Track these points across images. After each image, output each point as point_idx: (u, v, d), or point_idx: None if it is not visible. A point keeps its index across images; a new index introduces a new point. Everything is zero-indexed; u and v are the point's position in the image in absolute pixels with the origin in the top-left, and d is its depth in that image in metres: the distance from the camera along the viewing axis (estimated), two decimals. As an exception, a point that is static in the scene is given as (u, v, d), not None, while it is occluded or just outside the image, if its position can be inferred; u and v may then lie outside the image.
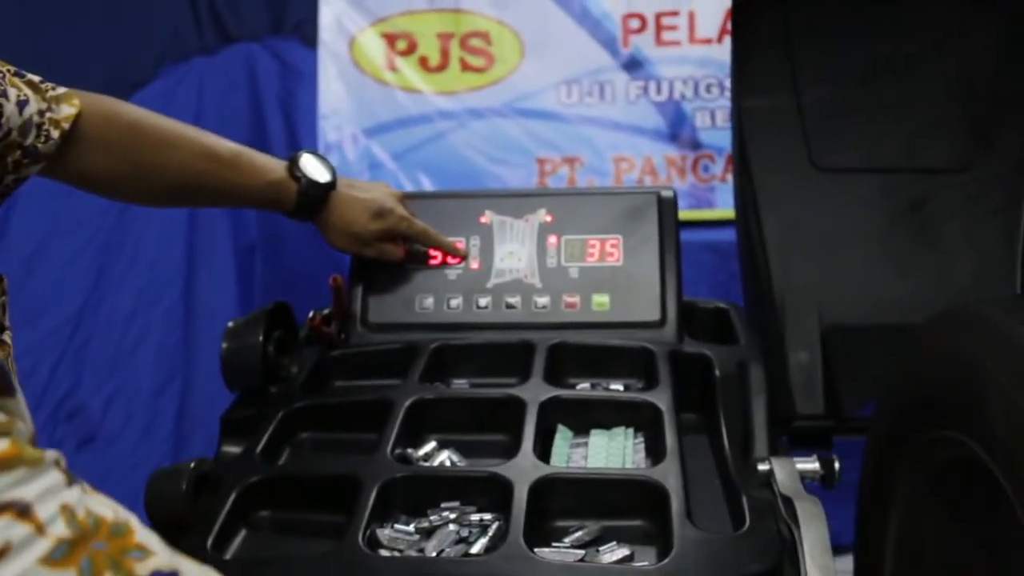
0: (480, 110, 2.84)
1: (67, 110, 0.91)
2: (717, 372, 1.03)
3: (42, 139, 0.88)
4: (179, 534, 0.81)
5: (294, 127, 2.81)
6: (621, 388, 1.05)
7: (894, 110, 1.57)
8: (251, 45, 2.73)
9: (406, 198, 1.17)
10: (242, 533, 0.86)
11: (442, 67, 2.85)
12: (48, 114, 0.89)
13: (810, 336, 1.50)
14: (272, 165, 1.05)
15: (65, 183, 0.97)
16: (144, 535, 0.42)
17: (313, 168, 1.07)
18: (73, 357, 2.50)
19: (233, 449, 0.98)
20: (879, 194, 1.58)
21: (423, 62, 2.84)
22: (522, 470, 0.84)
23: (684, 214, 2.58)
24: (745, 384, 1.02)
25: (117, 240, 2.57)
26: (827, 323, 1.51)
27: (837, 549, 0.91)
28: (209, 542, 0.80)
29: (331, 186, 1.08)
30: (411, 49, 2.82)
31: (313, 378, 1.08)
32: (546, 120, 2.85)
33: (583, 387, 1.05)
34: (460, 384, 1.08)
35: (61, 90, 0.92)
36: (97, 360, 2.51)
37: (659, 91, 2.78)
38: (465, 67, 2.84)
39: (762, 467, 0.89)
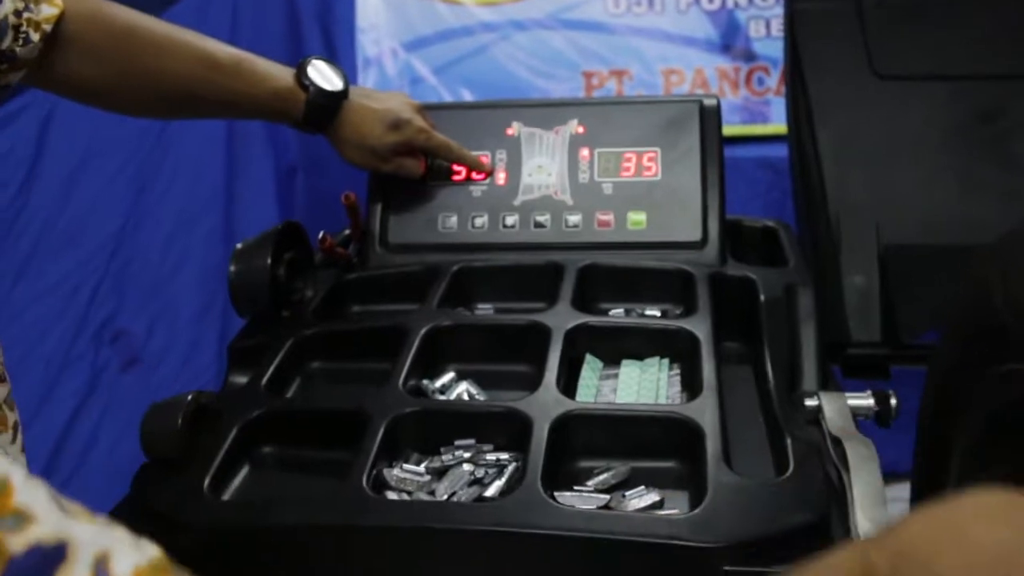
0: (523, 21, 2.74)
1: (48, 10, 0.83)
2: (762, 297, 0.94)
3: (20, 42, 0.81)
4: (177, 472, 0.77)
5: (332, 41, 2.72)
6: (657, 314, 0.97)
7: (963, 10, 1.43)
8: (286, -44, 2.64)
9: (427, 109, 1.08)
10: (244, 471, 0.80)
11: (484, -23, 2.74)
12: (26, 14, 0.81)
13: (867, 257, 1.40)
14: (278, 72, 0.97)
15: (52, 92, 0.90)
16: (27, 495, 0.32)
17: (323, 76, 0.98)
18: (114, 278, 2.47)
19: (241, 379, 0.92)
20: (945, 104, 1.45)
21: (464, -28, 2.73)
22: (543, 405, 0.77)
23: (737, 129, 2.49)
24: (793, 310, 0.93)
25: (155, 161, 2.52)
26: (885, 244, 1.40)
27: (892, 477, 0.84)
28: (206, 481, 0.75)
29: (343, 95, 1.00)
30: (451, -42, 2.71)
31: (328, 303, 1.02)
32: (593, 31, 2.74)
33: (616, 313, 0.97)
34: (484, 309, 1.01)
35: None
36: (139, 282, 2.49)
37: (711, -1, 2.65)
38: (508, -23, 2.73)
39: (810, 402, 0.81)
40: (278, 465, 0.82)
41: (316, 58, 1.00)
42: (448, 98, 2.74)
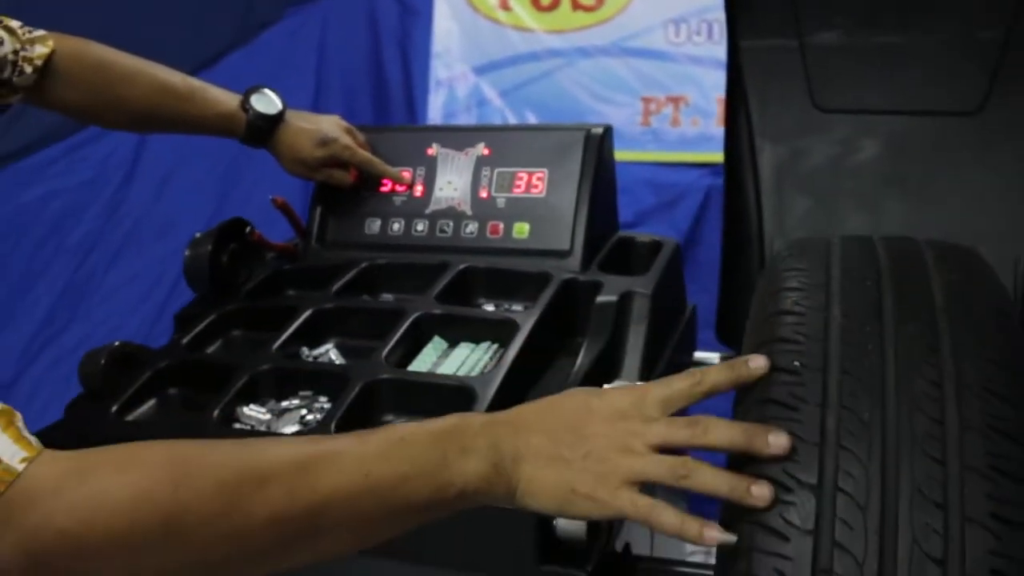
0: (588, 49, 2.89)
1: (40, 50, 1.10)
2: (598, 298, 1.10)
3: (17, 73, 1.08)
4: (98, 401, 1.01)
5: (408, 65, 2.95)
6: (521, 310, 1.15)
7: (903, 52, 1.54)
8: (372, -14, 2.88)
9: (364, 131, 1.30)
10: (150, 403, 1.03)
11: (554, 6, 2.92)
12: (22, 52, 1.08)
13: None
14: (225, 98, 1.21)
15: (51, 111, 1.16)
16: None
17: (264, 101, 1.21)
18: (198, 270, 2.77)
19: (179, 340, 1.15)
20: (884, 138, 1.56)
21: (535, 1, 2.91)
22: (363, 370, 0.97)
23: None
24: (624, 313, 1.09)
25: (239, 166, 2.82)
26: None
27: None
28: (114, 408, 0.98)
29: (279, 117, 1.22)
30: (525, -12, 2.90)
31: (265, 287, 1.24)
32: (653, 59, 2.87)
33: (488, 308, 1.16)
34: (387, 298, 1.21)
35: (38, 33, 1.11)
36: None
37: (767, 30, 2.75)
38: (576, 6, 2.90)
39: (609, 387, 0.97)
40: (183, 403, 1.05)
41: (264, 87, 1.23)
42: (512, 119, 2.93)
